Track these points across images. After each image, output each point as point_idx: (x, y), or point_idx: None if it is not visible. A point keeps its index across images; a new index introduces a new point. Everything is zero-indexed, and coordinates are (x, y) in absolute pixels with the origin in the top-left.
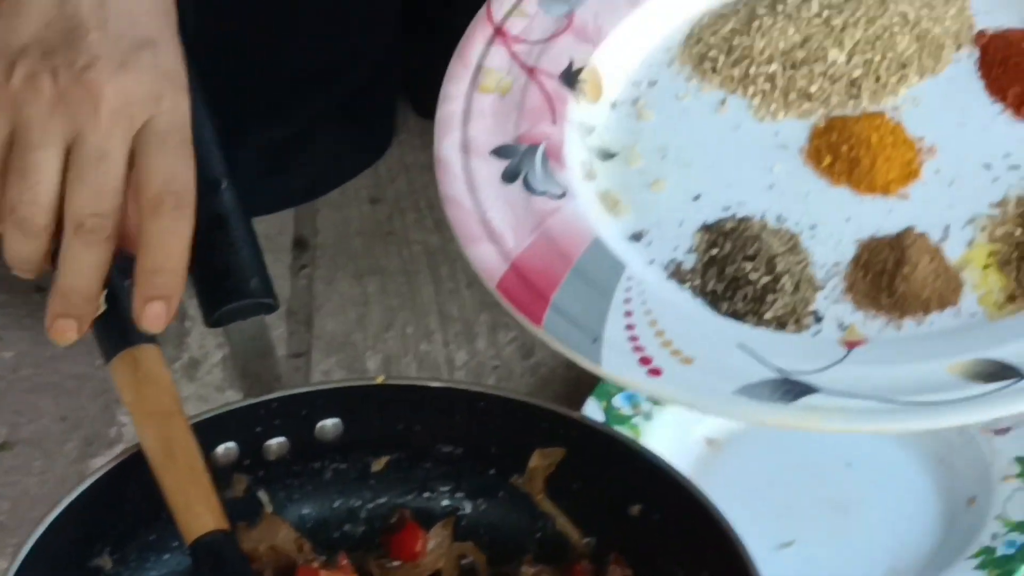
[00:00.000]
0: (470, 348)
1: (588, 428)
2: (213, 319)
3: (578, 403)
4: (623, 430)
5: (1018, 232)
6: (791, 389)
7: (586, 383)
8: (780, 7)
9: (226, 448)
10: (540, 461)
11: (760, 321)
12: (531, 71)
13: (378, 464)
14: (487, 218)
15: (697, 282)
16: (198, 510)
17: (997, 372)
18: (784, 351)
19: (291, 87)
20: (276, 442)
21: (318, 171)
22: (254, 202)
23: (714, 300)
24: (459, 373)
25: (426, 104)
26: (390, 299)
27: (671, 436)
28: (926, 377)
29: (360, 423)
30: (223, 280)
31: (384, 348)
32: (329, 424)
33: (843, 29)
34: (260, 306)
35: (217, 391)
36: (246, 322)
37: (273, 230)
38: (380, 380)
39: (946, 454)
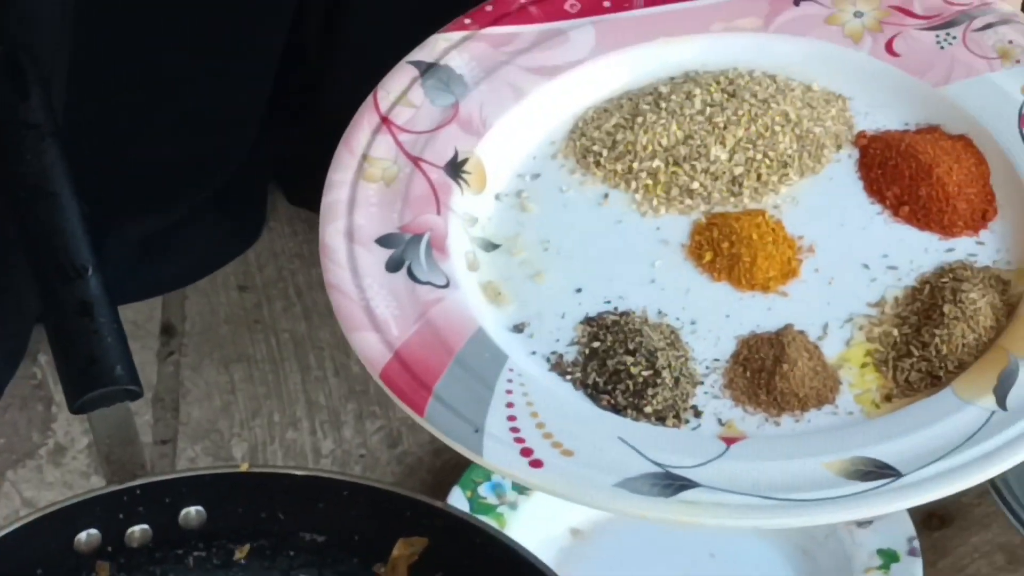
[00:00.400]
0: (336, 437)
1: (452, 517)
2: (77, 405)
3: (444, 492)
4: (488, 520)
5: (895, 332)
6: (671, 483)
7: (452, 472)
8: (664, 104)
9: (88, 535)
10: (403, 550)
11: (640, 415)
12: (416, 161)
13: (241, 552)
14: (371, 307)
15: (578, 375)
16: None
17: (872, 471)
18: (664, 445)
19: (161, 180)
20: (139, 529)
21: (188, 261)
22: (124, 290)
23: (595, 393)
24: (325, 461)
25: (297, 191)
26: (257, 387)
27: (536, 526)
28: (803, 474)
29: (224, 511)
30: (88, 367)
31: (250, 436)
32: (192, 511)
33: (725, 127)
34: (124, 393)
35: (82, 477)
36: (110, 409)
37: (141, 316)
38: (244, 468)
39: (809, 546)
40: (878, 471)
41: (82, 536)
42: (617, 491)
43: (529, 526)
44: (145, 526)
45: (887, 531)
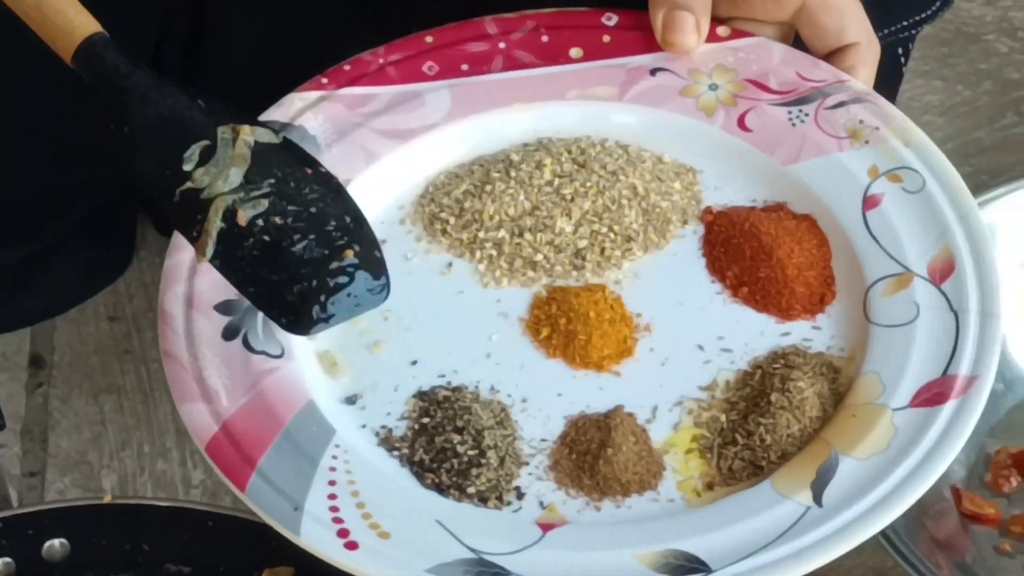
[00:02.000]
0: (207, 467)
1: None
2: None
3: None
4: None
5: (723, 418)
6: (483, 571)
7: None
8: (513, 172)
9: None
10: None
11: (463, 496)
12: None
13: None
14: (203, 376)
15: (406, 451)
16: (70, 15)
17: (683, 564)
18: (481, 529)
19: (26, 209)
20: (2, 562)
21: (57, 291)
22: None
23: (420, 471)
24: (195, 492)
25: (166, 222)
26: (127, 418)
27: None
28: (614, 566)
29: (88, 543)
30: None
31: (120, 467)
32: (56, 544)
33: (572, 199)
34: None
35: None
36: None
37: (10, 348)
38: (108, 499)
39: None
40: (688, 565)
41: None
42: None
43: None
44: (8, 559)
45: None
